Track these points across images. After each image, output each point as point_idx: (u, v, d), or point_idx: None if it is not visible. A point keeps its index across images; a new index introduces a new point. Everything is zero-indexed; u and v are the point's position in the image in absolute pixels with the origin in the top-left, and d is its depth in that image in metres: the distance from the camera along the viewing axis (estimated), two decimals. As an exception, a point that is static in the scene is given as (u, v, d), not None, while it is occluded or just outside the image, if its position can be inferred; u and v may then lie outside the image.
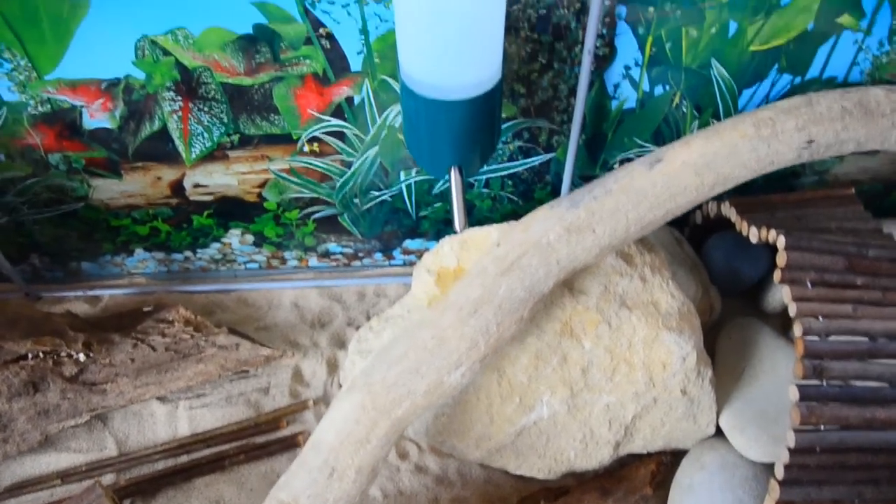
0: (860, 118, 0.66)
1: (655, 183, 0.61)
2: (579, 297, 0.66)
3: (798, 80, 0.72)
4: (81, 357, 0.76)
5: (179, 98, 0.69)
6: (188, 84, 0.68)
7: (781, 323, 0.82)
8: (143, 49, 0.65)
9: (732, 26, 0.66)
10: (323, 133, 0.73)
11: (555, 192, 0.80)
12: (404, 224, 0.83)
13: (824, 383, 0.61)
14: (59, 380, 0.75)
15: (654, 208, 0.62)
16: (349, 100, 0.70)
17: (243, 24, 0.63)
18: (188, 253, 0.86)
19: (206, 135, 0.72)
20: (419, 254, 0.88)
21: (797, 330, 0.62)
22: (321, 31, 0.64)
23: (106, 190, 0.77)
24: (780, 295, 0.81)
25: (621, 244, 0.62)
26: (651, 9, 0.64)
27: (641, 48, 0.67)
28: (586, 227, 0.59)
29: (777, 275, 0.65)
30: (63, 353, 0.76)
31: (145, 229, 0.83)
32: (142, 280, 0.89)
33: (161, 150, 0.73)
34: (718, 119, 0.75)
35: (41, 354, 0.76)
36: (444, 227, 0.84)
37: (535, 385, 0.66)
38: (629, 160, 0.77)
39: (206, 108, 0.70)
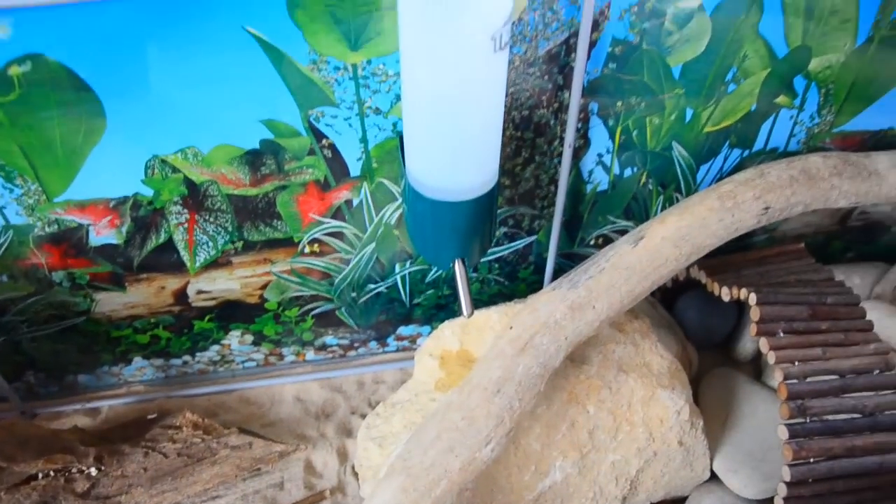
0: (805, 183, 0.75)
1: (641, 258, 0.68)
2: (581, 366, 0.71)
3: (746, 152, 0.80)
4: (93, 471, 0.77)
5: (186, 211, 0.73)
6: (195, 197, 0.72)
7: (753, 369, 0.90)
8: (153, 168, 0.69)
9: (689, 113, 0.74)
10: (323, 234, 0.77)
11: (537, 271, 0.87)
12: (398, 312, 0.88)
13: (807, 420, 0.68)
14: (72, 496, 0.76)
15: (643, 280, 0.68)
16: (348, 202, 0.75)
17: (251, 141, 0.68)
18: (187, 357, 0.89)
19: (210, 244, 0.76)
20: (412, 339, 0.92)
21: (778, 376, 0.69)
22: (324, 142, 0.69)
23: (108, 303, 0.80)
24: (750, 344, 0.88)
25: (617, 315, 0.68)
26: (619, 103, 0.72)
27: (612, 137, 0.74)
28: (587, 304, 0.65)
29: (752, 329, 0.72)
30: (74, 470, 0.77)
31: (146, 338, 0.85)
32: (140, 388, 0.90)
33: (166, 261, 0.76)
34: (681, 193, 0.83)
35: (52, 473, 0.76)
36: (435, 311, 0.89)
37: (548, 451, 0.70)
38: (604, 236, 0.84)
39: (211, 219, 0.74)
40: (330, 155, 0.71)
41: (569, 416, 0.71)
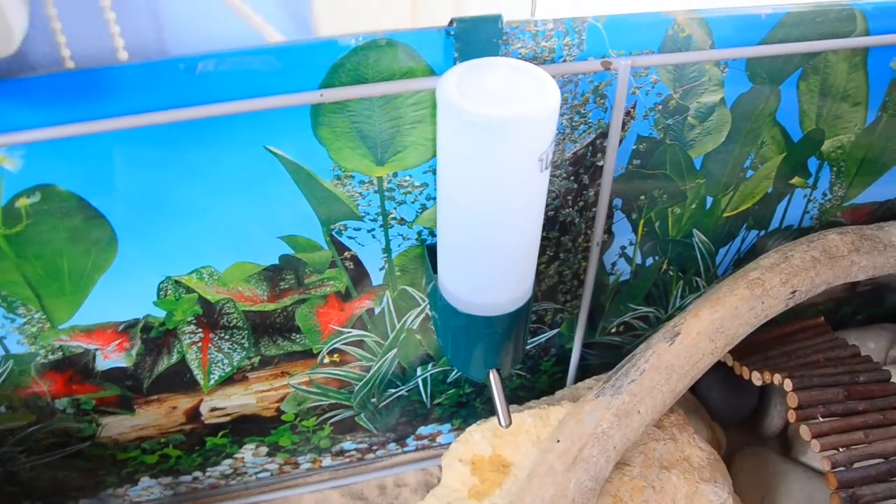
0: (826, 263, 0.75)
1: (679, 356, 0.66)
2: (624, 468, 0.69)
3: (763, 232, 0.80)
4: None
5: (200, 330, 0.69)
6: (210, 316, 0.68)
7: (780, 444, 0.89)
8: (165, 290, 0.66)
9: (709, 200, 0.74)
10: (343, 344, 0.74)
11: (559, 362, 0.85)
12: (419, 413, 0.85)
13: (858, 511, 0.66)
14: None
15: (682, 378, 0.67)
16: (370, 311, 0.72)
17: (270, 257, 0.66)
18: (197, 473, 0.84)
19: (225, 361, 0.72)
20: (432, 437, 0.89)
21: (825, 465, 0.67)
22: (346, 254, 0.67)
23: (116, 426, 0.75)
24: (777, 420, 0.87)
25: (659, 416, 0.66)
26: (643, 196, 0.71)
27: (635, 230, 0.73)
28: (632, 410, 0.63)
29: (791, 415, 0.71)
30: None
31: (154, 458, 0.80)
32: (147, 509, 0.85)
33: (178, 381, 0.73)
34: (700, 276, 0.82)
35: None
36: (456, 409, 0.86)
37: (598, 563, 0.68)
38: (625, 323, 0.83)
39: (226, 337, 0.70)
40: (352, 266, 0.68)
41: (614, 522, 0.68)
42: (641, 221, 0.73)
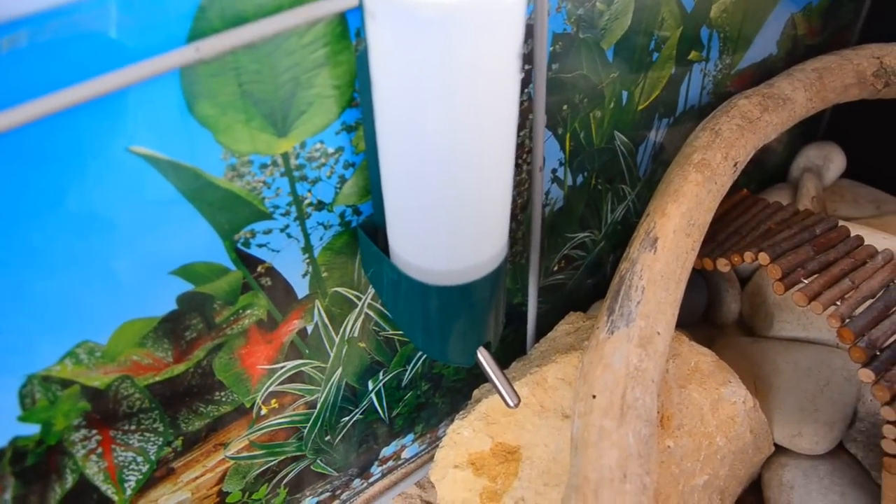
0: (748, 128, 0.71)
1: (668, 260, 0.59)
2: (646, 406, 0.61)
3: (671, 119, 0.75)
4: None
5: (95, 432, 0.51)
6: (103, 409, 0.51)
7: (742, 330, 0.85)
8: (31, 395, 0.47)
9: (624, 96, 0.67)
10: (279, 384, 0.59)
11: (509, 321, 0.74)
12: (378, 434, 0.71)
13: (879, 353, 0.63)
14: None
15: (678, 283, 0.59)
16: (301, 332, 0.58)
17: (163, 303, 0.49)
18: None
19: (139, 459, 0.55)
20: (396, 455, 0.75)
21: (833, 322, 0.63)
22: (259, 269, 0.52)
23: None
24: (734, 306, 0.83)
25: (673, 331, 0.58)
26: (565, 107, 0.62)
27: (562, 147, 0.65)
28: (652, 333, 0.54)
29: (778, 287, 0.66)
30: None
31: None
32: None
33: (82, 507, 0.54)
34: (625, 183, 0.75)
35: None
36: (416, 414, 0.73)
37: None
38: (565, 257, 0.75)
39: (132, 427, 0.53)
40: (269, 283, 0.53)
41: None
42: (568, 135, 0.64)
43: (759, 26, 0.78)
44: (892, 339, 0.64)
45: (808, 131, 1.01)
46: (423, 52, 0.36)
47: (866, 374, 0.61)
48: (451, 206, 0.43)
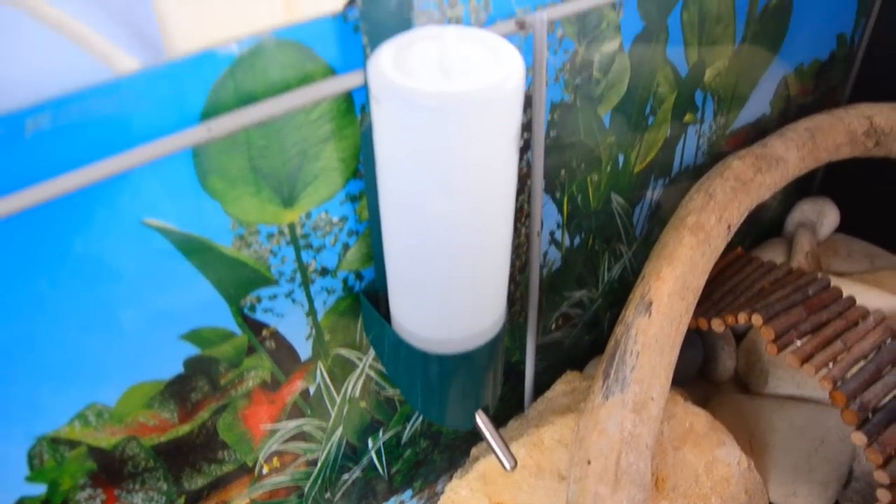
0: (742, 190, 0.73)
1: (662, 325, 0.60)
2: (643, 467, 0.61)
3: (667, 179, 0.77)
4: None
5: (100, 491, 0.52)
6: (109, 469, 0.52)
7: (737, 387, 0.86)
8: (40, 456, 0.48)
9: (620, 159, 0.69)
10: (281, 444, 0.60)
11: (506, 379, 0.75)
12: (378, 491, 0.72)
13: (871, 415, 0.64)
14: None
15: (672, 347, 0.60)
16: (304, 393, 0.59)
17: (171, 366, 0.50)
18: None
19: (142, 518, 0.55)
20: (395, 512, 0.76)
21: (826, 385, 0.64)
22: (264, 332, 0.53)
23: None
24: (730, 362, 0.84)
25: (667, 395, 0.59)
26: (563, 171, 0.64)
27: (560, 210, 0.66)
28: (646, 398, 0.55)
29: (771, 349, 0.67)
30: None
31: None
32: None
33: (84, 567, 0.54)
34: (622, 242, 0.77)
35: None
36: (415, 470, 0.74)
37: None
38: (563, 315, 0.76)
39: (137, 487, 0.54)
40: (274, 346, 0.54)
41: (651, 528, 0.60)
42: (565, 199, 0.66)
43: (752, 87, 0.80)
44: (884, 401, 0.65)
45: (802, 186, 1.03)
46: (424, 138, 0.38)
47: (859, 438, 0.62)
48: (451, 279, 0.45)
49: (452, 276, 0.44)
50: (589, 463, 0.52)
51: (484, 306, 0.48)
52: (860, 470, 0.72)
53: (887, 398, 0.65)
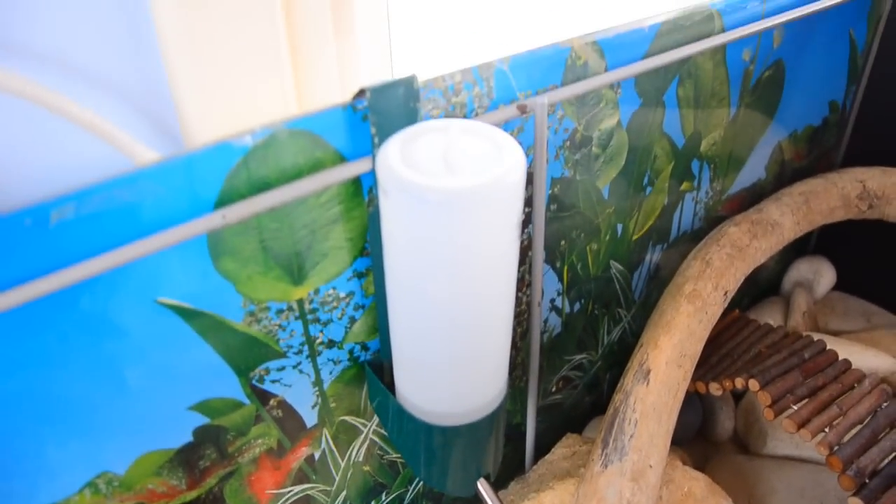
0: (739, 256, 0.75)
1: (660, 393, 0.62)
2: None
3: (665, 245, 0.79)
4: None
5: (107, 559, 0.53)
6: (117, 537, 0.53)
7: (736, 447, 0.87)
8: (50, 526, 0.49)
9: (619, 228, 0.71)
10: (285, 507, 0.61)
11: (507, 441, 0.76)
12: (380, 553, 0.72)
13: (868, 480, 0.64)
14: None
15: (670, 415, 0.62)
16: (309, 458, 0.60)
17: (180, 436, 0.52)
18: None
19: (147, 584, 0.56)
20: (396, 574, 0.76)
21: (822, 450, 0.65)
22: (272, 402, 0.55)
23: None
24: (728, 423, 0.85)
25: (665, 462, 0.60)
26: (563, 242, 0.66)
27: (560, 279, 0.68)
28: (644, 466, 0.57)
29: (768, 414, 0.68)
30: None
31: None
32: None
33: None
34: (621, 307, 0.78)
35: None
36: (418, 531, 0.75)
37: None
38: (563, 378, 0.77)
39: (143, 553, 0.54)
40: (281, 414, 0.56)
41: None
42: (565, 267, 0.68)
43: (747, 154, 0.83)
44: (881, 466, 0.66)
45: (798, 246, 1.05)
46: (429, 228, 0.40)
47: (857, 503, 0.63)
48: (454, 358, 0.46)
49: (455, 355, 0.46)
50: (588, 535, 0.53)
51: (486, 381, 0.49)
52: (858, 535, 0.73)
53: (884, 462, 0.66)
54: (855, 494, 0.64)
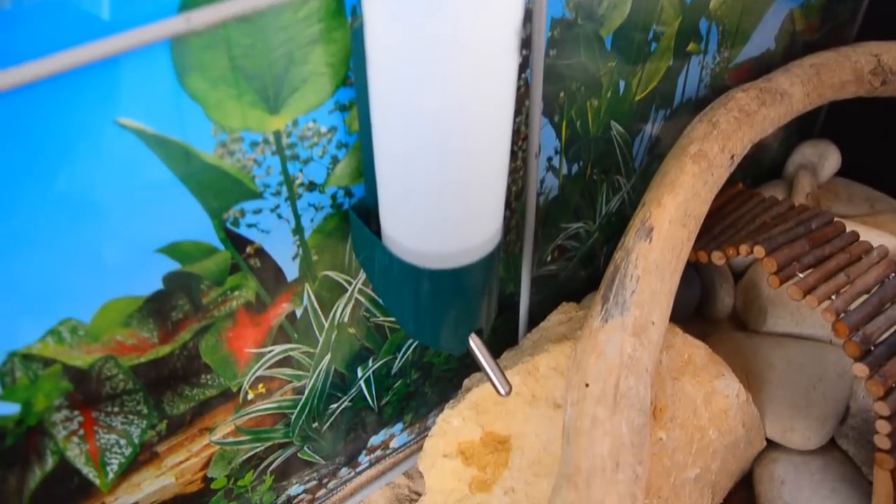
0: (746, 121, 0.71)
1: (663, 250, 0.58)
2: (638, 398, 0.60)
3: (668, 111, 0.74)
4: None
5: (77, 413, 0.50)
6: (86, 389, 0.50)
7: (734, 324, 0.85)
8: (11, 373, 0.46)
9: (621, 85, 0.66)
10: (266, 369, 0.58)
11: (499, 311, 0.74)
12: (366, 422, 0.70)
13: (874, 347, 0.62)
14: None
15: (673, 273, 0.59)
16: (290, 316, 0.57)
17: (149, 282, 0.48)
18: None
19: (122, 442, 0.53)
20: (384, 445, 0.75)
21: (828, 316, 0.63)
22: (248, 249, 0.51)
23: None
24: (728, 300, 0.83)
25: (667, 321, 0.58)
26: (562, 94, 0.61)
27: (558, 135, 0.64)
28: (647, 322, 0.54)
29: (773, 281, 0.65)
30: None
31: None
32: None
33: (65, 490, 0.53)
34: (620, 174, 0.75)
35: None
36: (406, 402, 0.73)
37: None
38: (559, 247, 0.74)
39: (115, 409, 0.52)
40: (258, 264, 0.52)
41: (646, 459, 0.59)
42: (564, 123, 0.64)
43: (757, 20, 0.77)
44: (886, 335, 0.63)
45: (803, 129, 1.01)
46: (420, 26, 0.36)
47: (860, 369, 0.61)
48: (445, 188, 0.43)
49: (447, 180, 0.42)
50: (587, 386, 0.51)
51: (478, 219, 0.46)
52: (857, 407, 0.71)
53: (889, 332, 0.64)
54: (859, 361, 0.61)
